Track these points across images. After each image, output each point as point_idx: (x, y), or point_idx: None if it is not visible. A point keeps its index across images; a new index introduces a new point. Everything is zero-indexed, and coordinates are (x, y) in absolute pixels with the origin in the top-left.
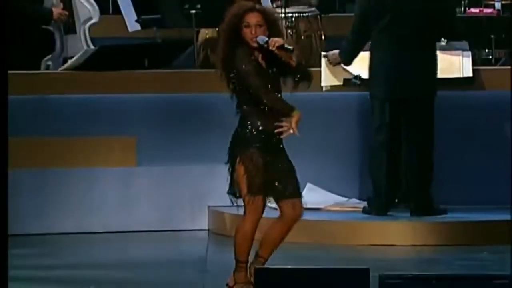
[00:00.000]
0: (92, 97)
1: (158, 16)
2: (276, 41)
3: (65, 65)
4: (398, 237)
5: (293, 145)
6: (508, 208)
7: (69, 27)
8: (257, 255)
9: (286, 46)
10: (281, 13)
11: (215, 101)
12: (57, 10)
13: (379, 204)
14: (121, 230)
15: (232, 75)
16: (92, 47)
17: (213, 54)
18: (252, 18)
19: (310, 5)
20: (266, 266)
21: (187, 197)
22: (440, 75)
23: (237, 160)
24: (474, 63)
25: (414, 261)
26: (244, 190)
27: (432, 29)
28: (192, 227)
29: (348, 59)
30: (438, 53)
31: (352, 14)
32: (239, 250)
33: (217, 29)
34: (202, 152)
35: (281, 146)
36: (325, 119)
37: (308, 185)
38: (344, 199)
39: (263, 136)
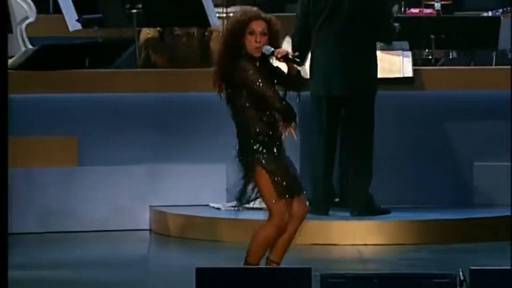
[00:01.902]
0: (33, 96)
1: (99, 15)
2: (283, 51)
3: None
4: (339, 236)
5: None
6: (446, 207)
7: None
8: (268, 261)
9: (292, 57)
10: (222, 13)
11: (156, 100)
12: None
13: (319, 204)
14: (62, 230)
15: (229, 82)
16: (30, 46)
17: (154, 53)
18: (258, 26)
19: (251, 5)
20: (207, 266)
21: (128, 197)
22: (380, 75)
23: (253, 169)
24: (414, 63)
25: (356, 261)
26: (268, 196)
27: (369, 29)
28: (133, 227)
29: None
30: (379, 53)
31: (292, 14)
32: (255, 255)
33: (158, 28)
34: (144, 152)
35: (283, 146)
36: None
37: None
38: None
39: (268, 141)
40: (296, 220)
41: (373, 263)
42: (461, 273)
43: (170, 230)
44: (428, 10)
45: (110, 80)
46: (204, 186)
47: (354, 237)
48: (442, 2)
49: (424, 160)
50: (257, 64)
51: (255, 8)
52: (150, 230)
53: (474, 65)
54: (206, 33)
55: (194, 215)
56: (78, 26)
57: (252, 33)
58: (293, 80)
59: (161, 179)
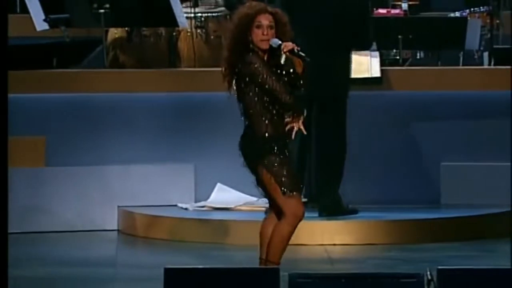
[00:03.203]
0: None
1: (67, 15)
2: (289, 45)
3: None
4: (308, 236)
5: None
6: (413, 207)
7: None
8: (266, 261)
9: (298, 51)
10: (190, 13)
11: (124, 100)
12: None
13: None
14: (30, 231)
15: (237, 77)
16: None
17: (121, 53)
18: (265, 19)
19: (218, 5)
20: (175, 266)
21: (96, 198)
22: None
23: (259, 169)
24: (382, 63)
25: (324, 261)
26: (277, 194)
27: (343, 31)
28: (101, 227)
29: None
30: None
31: None
32: (277, 254)
33: (126, 29)
34: (112, 152)
35: (288, 145)
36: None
37: (218, 185)
38: (254, 198)
39: (274, 140)
40: (292, 218)
41: (341, 263)
42: (428, 273)
43: (138, 230)
44: (396, 11)
45: (78, 80)
46: (172, 186)
47: (322, 237)
48: (410, 3)
49: (391, 160)
50: (265, 58)
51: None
52: (118, 230)
53: (441, 65)
54: (174, 33)
55: (162, 215)
56: (45, 26)
57: (259, 26)
58: (298, 77)
59: (129, 179)
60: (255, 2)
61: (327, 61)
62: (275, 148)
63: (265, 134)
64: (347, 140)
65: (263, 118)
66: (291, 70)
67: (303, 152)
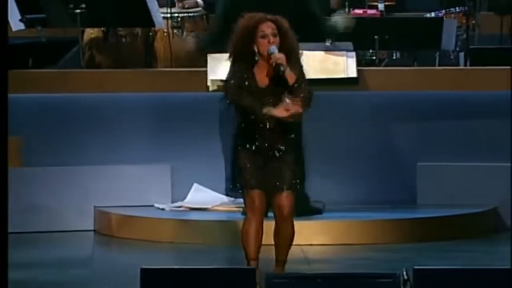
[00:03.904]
0: None
1: (43, 15)
2: (278, 58)
3: None
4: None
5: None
6: (389, 207)
7: None
8: (276, 260)
9: (280, 66)
10: (167, 13)
11: (101, 101)
12: None
13: None
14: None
15: None
16: None
17: (98, 54)
18: (267, 28)
19: (198, 5)
20: (152, 266)
21: (73, 198)
22: (324, 75)
23: (237, 155)
24: (358, 64)
25: (300, 261)
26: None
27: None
28: (78, 227)
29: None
30: (323, 53)
31: None
32: (245, 250)
33: (102, 29)
34: (88, 152)
35: (279, 147)
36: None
37: (195, 185)
38: (230, 199)
39: (249, 134)
40: (278, 217)
41: (318, 263)
42: (404, 273)
43: (114, 230)
44: (372, 11)
45: (54, 80)
46: (148, 187)
47: (299, 237)
48: (386, 3)
49: (368, 160)
50: (261, 67)
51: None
52: (94, 230)
53: (418, 65)
54: (151, 33)
55: (138, 215)
56: (21, 26)
57: (264, 36)
58: (293, 88)
59: (106, 179)
60: (252, 13)
61: None
62: (246, 143)
63: (240, 128)
64: (319, 139)
65: (242, 114)
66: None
67: None
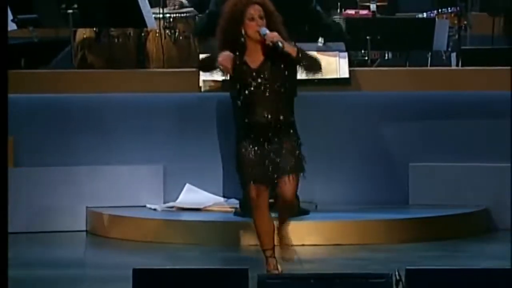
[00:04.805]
0: None
1: (35, 15)
2: (273, 36)
3: None
4: (277, 237)
5: None
6: (381, 208)
7: None
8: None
9: (277, 43)
10: (159, 13)
11: (93, 101)
12: None
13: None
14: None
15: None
16: None
17: (90, 54)
18: (255, 10)
19: (184, 6)
20: (144, 266)
21: (65, 198)
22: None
23: (236, 151)
24: (350, 64)
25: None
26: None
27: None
28: (70, 228)
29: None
30: (315, 54)
31: None
32: (260, 242)
33: (95, 29)
34: (80, 153)
35: (279, 128)
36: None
37: (187, 185)
38: (222, 199)
39: (246, 128)
40: (279, 202)
41: (311, 264)
42: (397, 273)
43: (106, 231)
44: (364, 11)
45: (46, 81)
46: (141, 187)
47: (292, 238)
48: (378, 4)
49: (360, 161)
50: (261, 48)
51: None
52: (86, 231)
53: (410, 66)
54: (143, 34)
55: (130, 216)
56: (13, 26)
57: (251, 18)
58: (297, 60)
59: (98, 179)
60: None
61: None
62: (243, 136)
63: (239, 124)
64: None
65: (243, 104)
66: (287, 54)
67: None
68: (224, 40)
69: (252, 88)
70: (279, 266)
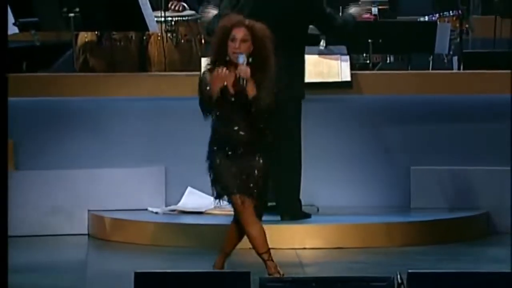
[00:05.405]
0: None
1: (36, 19)
2: (241, 71)
3: None
4: (278, 240)
5: None
6: (383, 211)
7: None
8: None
9: (240, 79)
10: (160, 16)
11: (94, 105)
12: None
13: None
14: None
15: None
16: None
17: (92, 57)
18: (238, 33)
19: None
20: (146, 270)
21: (66, 201)
22: (318, 79)
23: (211, 161)
24: (352, 68)
25: (294, 264)
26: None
27: (297, 33)
28: (71, 231)
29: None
30: (317, 57)
31: None
32: (254, 246)
33: (96, 32)
34: (82, 156)
35: (242, 147)
36: None
37: (189, 189)
38: (224, 202)
39: (219, 141)
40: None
41: (312, 267)
42: (398, 277)
43: (108, 234)
44: (366, 15)
45: (48, 84)
46: (142, 190)
47: (293, 241)
48: (380, 7)
49: (361, 164)
50: (236, 77)
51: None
52: (88, 234)
53: (411, 69)
54: (144, 37)
55: (132, 219)
56: (15, 29)
57: (233, 39)
58: (253, 107)
59: (99, 183)
60: (235, 15)
61: (282, 63)
62: (216, 149)
63: (213, 134)
64: (313, 143)
65: (214, 120)
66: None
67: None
68: (215, 54)
69: (226, 103)
70: (279, 269)
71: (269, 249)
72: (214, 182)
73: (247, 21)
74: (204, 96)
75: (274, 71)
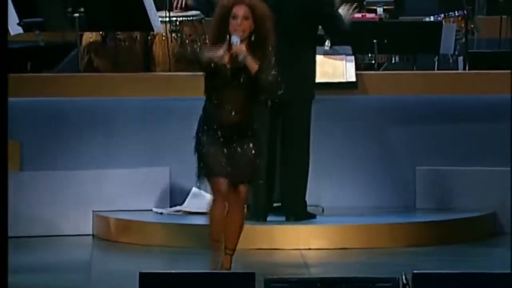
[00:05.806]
0: None
1: (41, 19)
2: (237, 49)
3: None
4: (283, 241)
5: None
6: (388, 211)
7: None
8: (224, 248)
9: (239, 58)
10: (165, 17)
11: (99, 105)
12: None
13: (258, 210)
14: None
15: None
16: None
17: (96, 57)
18: (240, 10)
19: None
20: (150, 271)
21: (71, 202)
22: (323, 79)
23: (197, 142)
24: (357, 68)
25: (299, 265)
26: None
27: (308, 33)
28: (76, 232)
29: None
30: (322, 57)
31: None
32: (210, 230)
33: (101, 32)
34: (87, 156)
35: (240, 133)
36: None
37: (193, 189)
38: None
39: (210, 121)
40: (231, 203)
41: (317, 268)
42: (403, 277)
43: (112, 235)
44: (371, 15)
45: (53, 84)
46: (147, 191)
47: (298, 242)
48: (385, 7)
49: (367, 164)
50: (232, 57)
51: None
52: (93, 235)
53: (417, 69)
54: (149, 37)
55: (137, 220)
56: (19, 30)
57: (234, 17)
58: (259, 78)
59: (104, 183)
60: None
61: (293, 63)
62: (205, 130)
63: (203, 113)
64: (317, 144)
65: (206, 100)
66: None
67: (271, 158)
68: (214, 36)
69: (220, 83)
70: (227, 264)
71: (220, 239)
72: (198, 160)
73: None
74: (203, 62)
75: (274, 51)
